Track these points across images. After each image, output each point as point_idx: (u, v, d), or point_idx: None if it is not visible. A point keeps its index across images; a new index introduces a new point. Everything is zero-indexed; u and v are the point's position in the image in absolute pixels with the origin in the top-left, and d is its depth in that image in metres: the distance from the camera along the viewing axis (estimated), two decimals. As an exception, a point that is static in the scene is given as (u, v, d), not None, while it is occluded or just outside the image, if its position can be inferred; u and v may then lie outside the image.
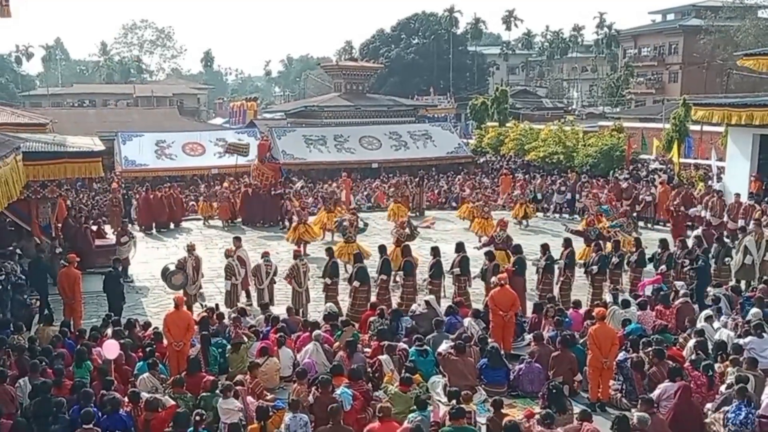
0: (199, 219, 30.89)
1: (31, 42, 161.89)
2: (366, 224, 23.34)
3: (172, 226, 29.18)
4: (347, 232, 21.25)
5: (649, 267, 18.77)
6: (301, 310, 16.90)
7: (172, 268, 17.84)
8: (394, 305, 16.56)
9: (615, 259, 18.15)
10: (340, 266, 18.44)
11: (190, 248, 18.27)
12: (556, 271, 17.78)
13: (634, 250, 18.84)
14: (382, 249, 18.37)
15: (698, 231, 20.85)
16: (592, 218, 22.81)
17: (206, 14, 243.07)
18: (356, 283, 16.82)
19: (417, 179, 33.15)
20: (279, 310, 16.59)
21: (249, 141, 37.30)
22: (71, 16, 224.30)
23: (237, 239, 19.27)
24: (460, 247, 18.02)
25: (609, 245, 19.32)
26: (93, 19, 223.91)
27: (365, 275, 17.02)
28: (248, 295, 18.32)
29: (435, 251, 17.95)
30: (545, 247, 18.04)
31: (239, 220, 29.99)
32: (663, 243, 18.86)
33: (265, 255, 18.22)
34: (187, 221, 30.40)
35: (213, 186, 32.34)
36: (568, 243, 18.36)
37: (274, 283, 18.08)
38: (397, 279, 18.33)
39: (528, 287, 17.63)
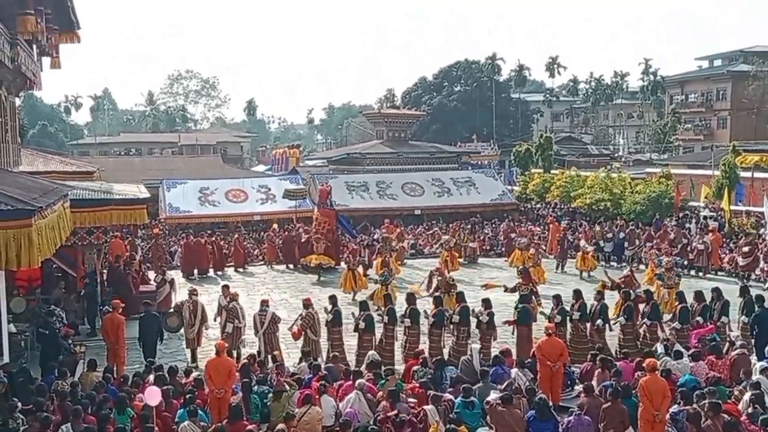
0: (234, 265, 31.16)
1: (80, 92, 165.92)
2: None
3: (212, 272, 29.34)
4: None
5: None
6: (319, 358, 16.80)
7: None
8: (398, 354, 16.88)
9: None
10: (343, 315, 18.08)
11: (191, 292, 18.53)
12: (569, 324, 17.23)
13: (677, 304, 18.03)
14: (387, 297, 18.62)
15: None
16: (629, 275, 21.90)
17: (250, 64, 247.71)
18: (362, 325, 16.98)
19: (470, 227, 32.81)
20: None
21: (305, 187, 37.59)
22: (119, 67, 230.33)
23: (225, 287, 19.28)
24: (460, 297, 17.92)
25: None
26: (140, 71, 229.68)
27: (371, 322, 17.12)
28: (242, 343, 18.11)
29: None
30: (557, 299, 17.58)
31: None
32: (717, 291, 18.26)
33: (263, 304, 17.92)
34: (229, 267, 30.54)
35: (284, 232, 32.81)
36: (578, 295, 17.70)
37: (276, 332, 17.53)
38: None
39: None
